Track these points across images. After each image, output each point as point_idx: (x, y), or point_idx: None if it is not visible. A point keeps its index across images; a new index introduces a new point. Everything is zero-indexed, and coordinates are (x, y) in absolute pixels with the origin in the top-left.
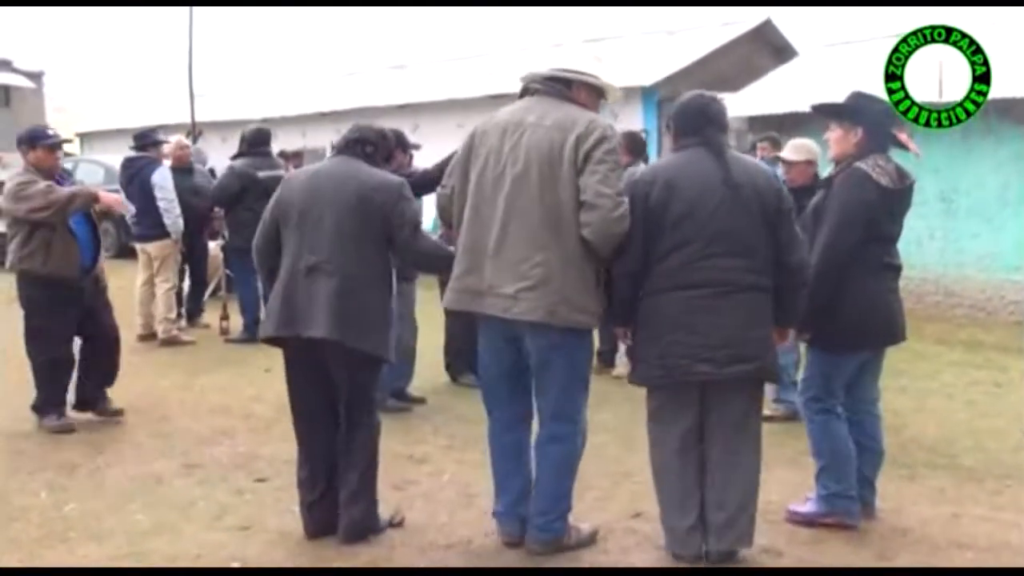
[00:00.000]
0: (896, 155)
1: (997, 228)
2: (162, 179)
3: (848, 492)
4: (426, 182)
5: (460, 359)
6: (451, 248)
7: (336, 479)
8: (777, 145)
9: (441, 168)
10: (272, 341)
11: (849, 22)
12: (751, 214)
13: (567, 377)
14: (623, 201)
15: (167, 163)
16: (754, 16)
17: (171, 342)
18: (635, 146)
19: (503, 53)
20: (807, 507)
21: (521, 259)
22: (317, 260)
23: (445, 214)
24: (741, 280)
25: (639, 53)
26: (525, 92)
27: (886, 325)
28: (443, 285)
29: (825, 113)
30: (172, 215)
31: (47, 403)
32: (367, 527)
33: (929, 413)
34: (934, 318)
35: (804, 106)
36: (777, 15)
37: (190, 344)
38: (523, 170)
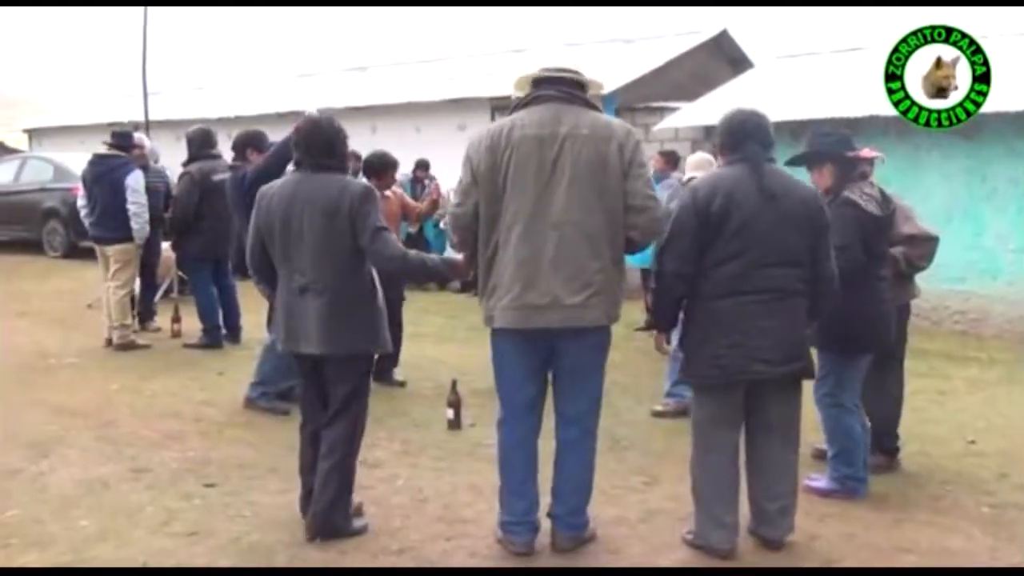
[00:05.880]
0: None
1: (942, 240)
2: (135, 182)
3: (857, 475)
4: (262, 177)
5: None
6: (425, 256)
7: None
8: (673, 161)
9: (278, 158)
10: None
11: (803, 35)
12: (797, 229)
13: (599, 373)
14: (661, 202)
15: None
16: (711, 27)
17: (127, 347)
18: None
19: (463, 58)
20: (821, 483)
21: (582, 268)
22: (305, 281)
23: (464, 233)
24: (791, 287)
25: (597, 61)
26: (536, 99)
27: (888, 332)
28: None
29: (795, 165)
30: (141, 220)
31: None
32: (331, 523)
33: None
34: None
35: None
36: (733, 27)
37: (145, 348)
38: (573, 180)
